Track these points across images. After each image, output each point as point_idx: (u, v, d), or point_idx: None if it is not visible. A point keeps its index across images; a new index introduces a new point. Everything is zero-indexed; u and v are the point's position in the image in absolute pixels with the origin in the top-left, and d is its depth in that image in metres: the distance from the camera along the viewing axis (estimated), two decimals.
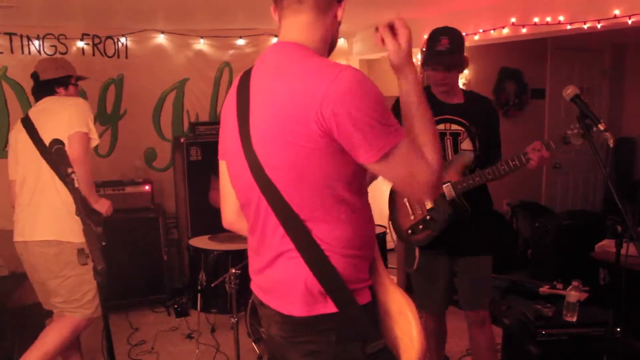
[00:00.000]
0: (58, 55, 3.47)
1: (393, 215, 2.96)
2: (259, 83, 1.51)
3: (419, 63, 2.73)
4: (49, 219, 2.96)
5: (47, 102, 3.13)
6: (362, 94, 1.36)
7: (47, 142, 2.94)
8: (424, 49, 2.72)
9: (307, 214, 1.45)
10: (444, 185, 2.72)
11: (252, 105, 1.50)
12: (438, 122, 2.71)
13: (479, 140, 2.78)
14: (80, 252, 1.95)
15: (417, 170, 1.42)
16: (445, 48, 2.64)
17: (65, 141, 2.84)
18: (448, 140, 2.78)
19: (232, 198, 1.71)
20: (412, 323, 1.51)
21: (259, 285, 1.65)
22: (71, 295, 3.00)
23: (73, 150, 2.86)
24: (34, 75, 3.18)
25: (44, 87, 3.15)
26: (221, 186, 1.78)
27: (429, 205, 2.77)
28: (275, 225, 1.49)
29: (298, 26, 1.52)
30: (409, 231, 2.86)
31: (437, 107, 2.69)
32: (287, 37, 1.53)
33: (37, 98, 3.18)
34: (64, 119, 2.98)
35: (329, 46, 1.58)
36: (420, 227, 2.82)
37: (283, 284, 1.52)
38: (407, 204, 2.87)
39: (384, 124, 1.37)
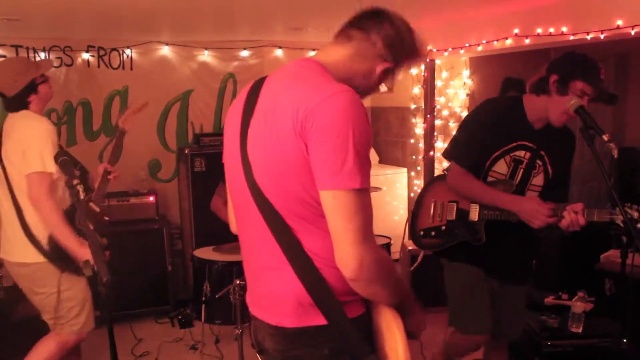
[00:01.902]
0: (10, 57, 3.12)
1: (415, 211, 2.91)
2: (268, 93, 1.51)
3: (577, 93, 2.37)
4: (20, 240, 2.86)
5: (14, 120, 2.92)
6: (352, 119, 1.33)
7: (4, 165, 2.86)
8: (586, 70, 2.39)
9: (298, 226, 1.44)
10: (471, 204, 2.63)
11: (256, 114, 1.50)
12: (519, 148, 2.53)
13: (551, 175, 2.59)
14: (86, 263, 1.94)
15: (351, 236, 1.35)
16: (604, 77, 2.40)
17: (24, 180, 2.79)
18: (521, 170, 2.57)
19: None
20: (398, 340, 1.50)
21: (253, 298, 1.65)
22: (55, 312, 2.94)
23: (31, 193, 2.77)
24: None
25: (15, 102, 2.91)
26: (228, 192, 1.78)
27: (451, 216, 2.72)
28: (266, 235, 1.48)
29: (333, 53, 1.56)
30: (421, 232, 2.83)
31: (524, 129, 2.53)
32: (316, 57, 1.57)
33: (10, 110, 2.96)
34: (21, 151, 2.78)
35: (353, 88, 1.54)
36: (433, 233, 2.78)
37: (274, 295, 1.52)
38: (432, 205, 2.82)
39: (353, 160, 1.32)
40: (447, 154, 2.70)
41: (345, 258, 1.36)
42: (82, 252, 2.76)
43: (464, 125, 2.69)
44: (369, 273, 1.37)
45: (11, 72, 2.89)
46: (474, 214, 2.62)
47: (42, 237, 2.84)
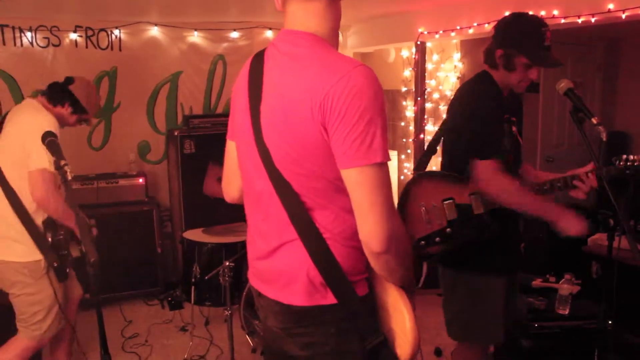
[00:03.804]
0: (97, 96, 3.35)
1: (402, 219, 2.49)
2: (272, 70, 1.49)
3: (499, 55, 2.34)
4: None
5: (26, 107, 3.00)
6: (368, 95, 1.34)
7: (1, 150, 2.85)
8: (524, 43, 2.30)
9: (312, 203, 1.45)
10: (472, 197, 2.42)
11: (265, 92, 1.48)
12: (506, 122, 2.43)
13: (519, 139, 2.52)
14: (75, 243, 1.93)
15: (378, 209, 1.36)
16: (550, 42, 2.31)
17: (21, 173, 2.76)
18: (513, 142, 2.46)
19: (237, 178, 1.71)
20: (405, 316, 1.50)
21: (258, 275, 1.64)
22: (20, 314, 2.90)
23: (34, 192, 2.74)
24: (67, 79, 3.11)
25: (58, 91, 3.06)
26: (226, 165, 1.78)
27: (452, 215, 2.47)
28: (279, 213, 1.49)
29: (311, 13, 1.47)
30: (422, 242, 2.52)
31: (503, 102, 2.46)
32: (298, 26, 1.48)
33: (39, 94, 3.06)
34: (22, 143, 2.78)
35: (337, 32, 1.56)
36: (437, 239, 2.49)
37: (285, 274, 1.52)
38: (425, 209, 2.52)
39: (373, 136, 1.34)
40: (478, 154, 2.36)
41: (374, 232, 1.36)
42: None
43: (476, 116, 2.40)
44: (395, 246, 1.39)
45: (93, 94, 3.24)
46: (478, 207, 2.41)
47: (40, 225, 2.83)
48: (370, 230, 1.37)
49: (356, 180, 1.36)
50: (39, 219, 2.83)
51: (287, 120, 1.40)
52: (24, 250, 2.80)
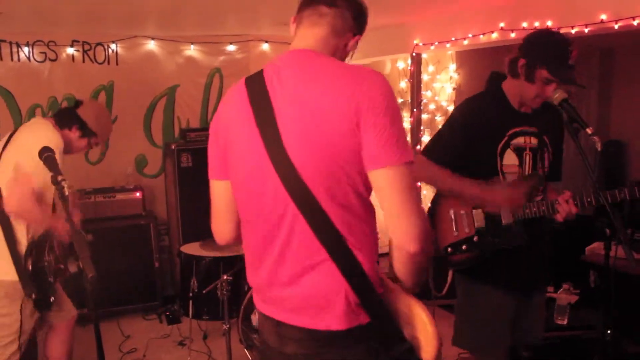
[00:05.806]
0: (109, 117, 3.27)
1: (431, 227, 2.55)
2: (284, 88, 1.45)
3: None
4: None
5: (36, 123, 2.92)
6: (394, 99, 1.41)
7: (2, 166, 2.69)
8: (549, 57, 2.28)
9: (341, 220, 1.42)
10: (501, 207, 2.42)
11: (281, 110, 1.43)
12: (517, 135, 2.40)
13: (552, 157, 2.49)
14: (71, 260, 1.93)
15: (414, 208, 1.38)
16: (574, 62, 2.30)
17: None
18: (527, 156, 2.42)
19: (232, 217, 1.65)
20: (425, 320, 1.49)
21: (278, 304, 1.55)
22: None
23: (7, 199, 2.56)
24: (75, 102, 3.03)
25: (67, 115, 2.95)
26: (216, 207, 1.70)
27: (480, 223, 2.47)
28: (305, 235, 1.43)
29: (313, 37, 1.55)
30: (449, 249, 2.51)
31: (513, 116, 2.42)
32: (303, 45, 1.55)
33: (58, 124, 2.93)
34: (15, 156, 2.66)
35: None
36: (464, 247, 2.47)
37: (316, 299, 1.46)
38: (453, 216, 2.51)
39: (404, 136, 1.39)
40: (425, 152, 2.51)
41: (411, 232, 1.37)
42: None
43: (448, 125, 2.53)
44: (428, 244, 1.40)
45: (104, 117, 3.17)
46: (507, 217, 2.40)
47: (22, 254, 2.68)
48: (408, 231, 1.38)
49: (393, 180, 1.37)
50: (22, 242, 2.68)
51: (319, 131, 1.37)
52: (3, 267, 2.65)
